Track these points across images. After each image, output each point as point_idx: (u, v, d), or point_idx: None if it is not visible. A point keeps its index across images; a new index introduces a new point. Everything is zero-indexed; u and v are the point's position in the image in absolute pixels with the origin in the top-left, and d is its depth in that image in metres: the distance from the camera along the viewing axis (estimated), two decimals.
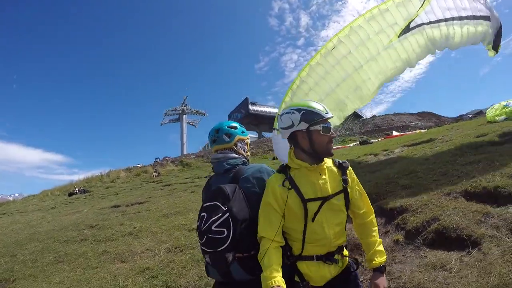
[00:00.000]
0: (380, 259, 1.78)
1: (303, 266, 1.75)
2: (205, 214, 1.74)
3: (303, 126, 1.75)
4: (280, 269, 1.59)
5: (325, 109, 1.78)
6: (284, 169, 1.82)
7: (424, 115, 35.47)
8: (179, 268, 4.44)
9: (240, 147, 2.19)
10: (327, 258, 1.73)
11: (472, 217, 3.45)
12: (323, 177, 1.77)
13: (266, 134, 49.96)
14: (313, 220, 1.70)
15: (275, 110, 52.14)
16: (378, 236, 1.87)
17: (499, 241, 2.96)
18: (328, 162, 1.84)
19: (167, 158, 36.61)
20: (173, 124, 56.69)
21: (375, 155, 10.11)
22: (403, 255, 3.44)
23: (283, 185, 1.73)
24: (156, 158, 40.14)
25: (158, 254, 5.25)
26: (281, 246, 1.72)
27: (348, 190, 1.81)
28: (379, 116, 36.95)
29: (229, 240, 1.63)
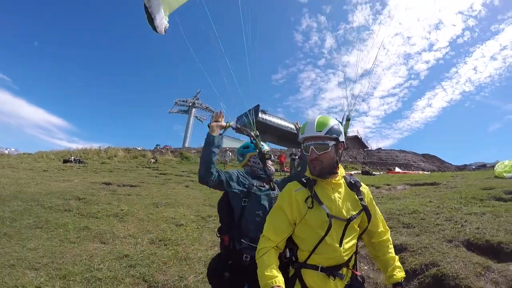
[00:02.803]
0: (400, 274, 1.75)
1: (308, 277, 1.66)
2: None
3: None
4: (279, 270, 1.56)
5: (305, 128, 1.76)
6: (307, 183, 1.72)
7: (428, 158, 35.33)
8: (160, 263, 4.17)
9: (253, 162, 2.54)
10: (332, 271, 1.63)
11: (472, 268, 3.27)
12: (338, 194, 1.71)
13: (271, 145, 49.90)
14: (340, 244, 1.64)
15: (282, 123, 51.75)
16: (394, 253, 1.83)
17: None
18: (340, 178, 1.77)
19: (167, 147, 36.54)
20: (180, 115, 56.61)
21: (377, 187, 9.86)
22: None
23: (305, 201, 1.67)
24: (157, 145, 40.08)
25: (141, 243, 4.99)
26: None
27: (368, 208, 1.75)
28: (384, 150, 36.76)
29: None
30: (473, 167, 26.40)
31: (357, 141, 41.73)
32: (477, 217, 4.93)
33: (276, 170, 22.82)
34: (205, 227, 6.05)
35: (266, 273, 1.51)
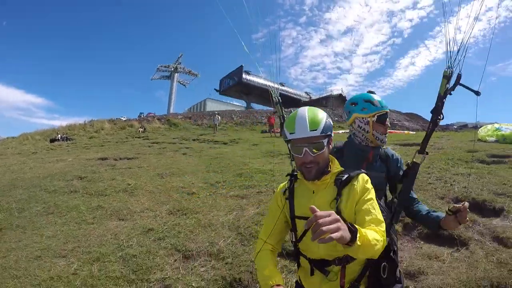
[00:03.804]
0: (361, 230, 1.22)
1: (301, 263, 1.62)
2: None
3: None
4: (278, 270, 1.54)
5: (294, 127, 1.48)
6: (291, 178, 1.64)
7: (412, 116, 35.98)
8: (187, 232, 4.22)
9: (358, 125, 2.00)
10: (316, 264, 1.51)
11: None
12: (316, 195, 1.53)
13: (254, 106, 49.45)
14: (299, 240, 1.54)
15: (267, 83, 50.63)
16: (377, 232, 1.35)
17: (483, 245, 3.49)
18: (331, 176, 1.54)
19: (152, 114, 35.87)
20: (163, 81, 54.94)
21: None
22: (401, 244, 3.76)
23: (284, 193, 1.63)
24: (140, 113, 39.37)
25: (160, 215, 5.02)
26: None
27: (342, 211, 1.45)
28: None
29: None
30: (455, 127, 27.90)
31: (341, 100, 41.76)
32: (464, 177, 5.57)
33: (266, 131, 22.93)
34: (217, 194, 6.10)
35: (264, 273, 1.50)
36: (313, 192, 1.53)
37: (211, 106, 51.30)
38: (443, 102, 1.80)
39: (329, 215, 1.04)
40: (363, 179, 1.53)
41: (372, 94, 2.00)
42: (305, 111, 1.52)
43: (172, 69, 53.81)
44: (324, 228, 0.98)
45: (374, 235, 1.26)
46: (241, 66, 47.94)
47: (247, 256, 3.51)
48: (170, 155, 11.81)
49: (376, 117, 1.95)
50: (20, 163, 12.02)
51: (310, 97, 54.51)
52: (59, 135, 21.22)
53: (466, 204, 1.60)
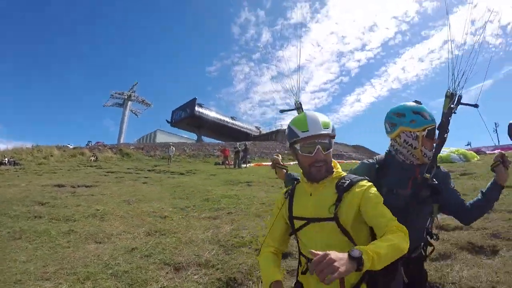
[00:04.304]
0: (370, 246, 1.22)
1: (302, 266, 1.65)
2: None
3: (287, 143, 1.67)
4: (278, 269, 1.65)
5: (307, 126, 1.54)
6: (293, 181, 1.78)
7: (358, 148, 39.24)
8: (171, 248, 4.52)
9: (405, 140, 1.85)
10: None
11: None
12: (313, 197, 1.58)
13: (205, 139, 50.04)
14: (290, 234, 1.69)
15: (219, 116, 52.42)
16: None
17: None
18: (332, 183, 1.58)
19: (100, 143, 34.61)
20: (111, 108, 53.33)
21: None
22: None
23: (284, 195, 1.72)
24: (88, 141, 38.02)
25: (138, 237, 5.23)
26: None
27: (339, 218, 1.47)
28: None
29: None
30: None
31: None
32: None
33: (220, 164, 23.46)
34: (189, 216, 6.46)
35: (265, 273, 1.62)
36: (310, 195, 1.58)
37: (161, 138, 50.89)
38: (448, 119, 1.85)
39: (324, 258, 1.06)
40: (366, 185, 1.54)
41: (421, 105, 1.87)
42: (312, 112, 1.62)
43: (126, 96, 52.99)
44: (322, 273, 1.03)
45: (390, 241, 1.25)
46: (195, 98, 48.88)
47: (234, 262, 3.95)
48: (130, 183, 11.75)
49: (426, 131, 1.81)
50: None
51: (260, 131, 56.63)
52: (6, 159, 19.84)
53: (498, 152, 1.83)
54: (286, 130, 1.69)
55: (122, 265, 4.08)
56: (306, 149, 1.55)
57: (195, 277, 3.67)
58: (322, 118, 1.58)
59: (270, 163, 2.42)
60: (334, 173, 1.61)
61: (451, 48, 1.98)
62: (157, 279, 3.65)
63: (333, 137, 1.60)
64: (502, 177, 1.74)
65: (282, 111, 2.40)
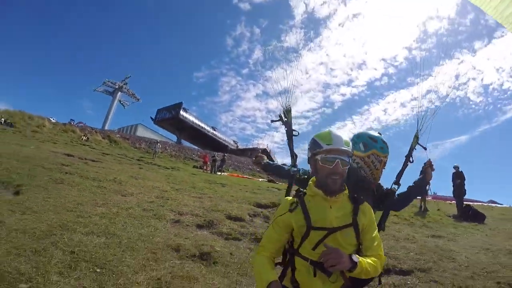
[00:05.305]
0: (364, 259, 1.60)
1: (298, 266, 1.73)
2: None
3: (309, 154, 1.84)
4: (275, 272, 1.72)
5: (331, 140, 1.74)
6: (299, 194, 1.83)
7: None
8: (175, 205, 6.99)
9: (372, 161, 2.27)
10: (319, 266, 1.60)
11: None
12: (334, 209, 1.71)
13: (185, 143, 52.31)
14: (314, 249, 1.67)
15: (201, 125, 55.10)
16: (378, 266, 1.64)
17: None
18: (344, 196, 1.76)
19: (82, 124, 36.04)
20: (104, 95, 54.88)
21: None
22: None
23: (290, 210, 1.75)
24: (71, 119, 38.72)
25: (152, 197, 7.53)
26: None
27: (359, 224, 1.70)
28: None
29: None
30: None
31: (265, 154, 46.22)
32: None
33: (199, 167, 25.74)
34: (183, 194, 8.76)
35: (261, 273, 1.70)
36: (330, 207, 1.71)
37: (141, 132, 52.53)
38: (412, 151, 2.56)
39: (336, 251, 1.52)
40: (370, 208, 1.81)
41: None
42: (336, 131, 1.82)
43: (117, 86, 54.68)
44: (329, 261, 1.49)
45: (375, 263, 1.62)
46: (181, 102, 51.67)
47: (212, 215, 6.58)
48: (129, 166, 13.78)
49: (387, 158, 2.29)
50: None
51: (237, 146, 59.34)
52: (3, 119, 20.98)
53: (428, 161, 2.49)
54: (310, 142, 1.85)
55: (146, 207, 6.44)
56: (325, 160, 1.71)
57: (190, 219, 6.20)
58: (344, 137, 1.78)
59: (254, 159, 2.91)
60: (346, 190, 1.78)
61: (420, 103, 2.66)
62: (169, 216, 6.16)
63: (351, 156, 1.79)
64: (429, 176, 2.43)
65: (272, 121, 2.81)
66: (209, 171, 23.81)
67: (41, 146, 13.73)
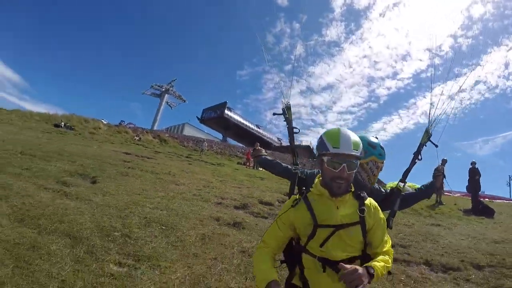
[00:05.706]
0: (377, 264, 1.58)
1: (306, 263, 1.71)
2: None
3: (316, 152, 1.82)
4: (276, 270, 1.71)
5: (339, 143, 1.67)
6: (302, 193, 1.81)
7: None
8: (218, 192, 8.24)
9: (370, 167, 2.24)
10: (327, 262, 1.62)
11: None
12: (341, 208, 1.69)
13: (230, 140, 54.08)
14: (321, 246, 1.64)
15: (246, 123, 56.59)
16: (388, 261, 1.65)
17: None
18: (350, 194, 1.75)
19: (132, 125, 39.05)
20: (152, 98, 59.09)
21: None
22: None
23: (292, 206, 1.76)
24: (121, 121, 41.92)
25: (200, 186, 8.77)
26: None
27: (366, 222, 1.68)
28: None
29: None
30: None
31: (308, 151, 46.36)
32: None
33: (243, 164, 26.88)
34: (225, 184, 9.98)
35: (261, 270, 1.69)
36: (337, 208, 1.69)
37: (188, 131, 55.12)
38: (422, 148, 2.48)
39: (355, 272, 1.45)
40: (376, 206, 1.79)
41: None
42: (347, 131, 1.74)
43: (164, 89, 58.44)
44: (352, 283, 1.43)
45: (387, 263, 1.62)
46: (225, 102, 53.36)
47: (246, 200, 7.77)
48: (178, 162, 15.23)
49: (383, 164, 2.32)
50: (46, 139, 14.36)
51: (281, 143, 59.67)
52: (63, 123, 23.66)
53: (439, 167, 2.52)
54: (318, 140, 1.82)
55: (196, 193, 7.67)
56: (332, 164, 1.66)
57: (229, 202, 7.45)
58: (354, 138, 1.70)
59: (252, 151, 3.02)
60: (352, 190, 1.77)
61: (431, 100, 2.61)
62: (213, 199, 7.44)
63: (360, 158, 1.74)
64: (438, 184, 2.52)
65: (274, 114, 2.77)
66: (251, 167, 24.88)
67: (102, 147, 15.50)
